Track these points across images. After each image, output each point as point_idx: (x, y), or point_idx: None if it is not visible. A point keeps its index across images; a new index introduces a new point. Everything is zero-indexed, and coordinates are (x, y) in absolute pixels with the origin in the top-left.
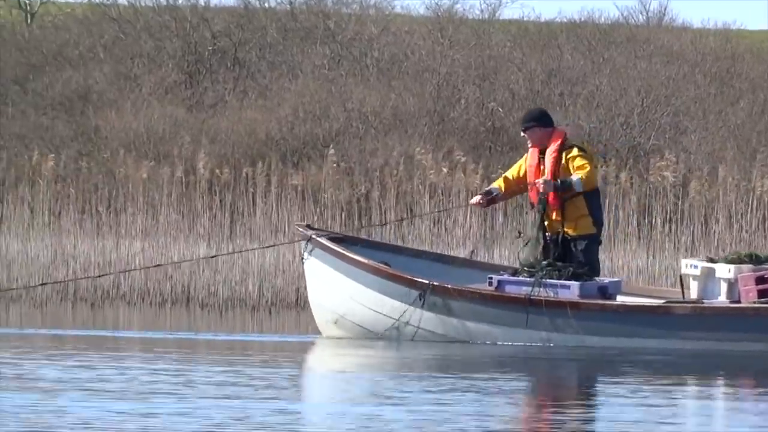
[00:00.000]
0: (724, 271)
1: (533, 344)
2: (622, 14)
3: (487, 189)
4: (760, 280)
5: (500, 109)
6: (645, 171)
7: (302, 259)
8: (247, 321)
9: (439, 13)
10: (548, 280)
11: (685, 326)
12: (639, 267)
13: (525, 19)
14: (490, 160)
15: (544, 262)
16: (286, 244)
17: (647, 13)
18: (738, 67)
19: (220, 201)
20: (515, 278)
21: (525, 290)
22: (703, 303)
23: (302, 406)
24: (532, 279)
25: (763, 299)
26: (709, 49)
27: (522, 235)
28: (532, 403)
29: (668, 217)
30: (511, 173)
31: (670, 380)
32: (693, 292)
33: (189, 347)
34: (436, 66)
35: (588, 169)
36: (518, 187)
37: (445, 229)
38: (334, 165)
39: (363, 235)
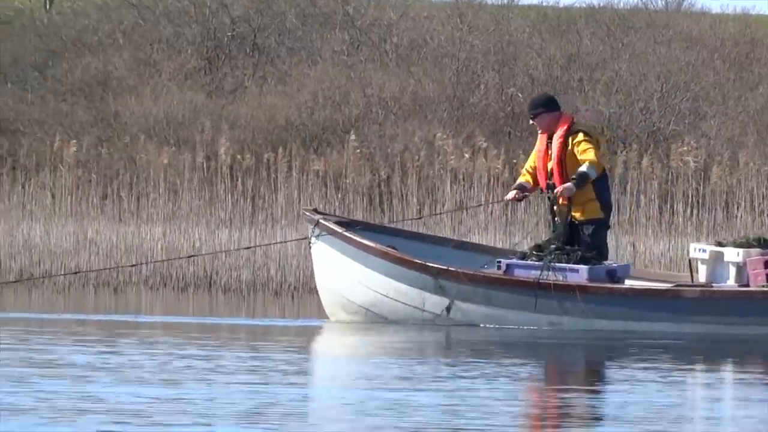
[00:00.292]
0: (733, 255)
1: (541, 328)
2: (641, 0)
3: (517, 184)
4: None
5: (520, 95)
6: (665, 156)
7: (309, 243)
8: (269, 306)
9: None
10: (557, 264)
11: (694, 310)
12: (661, 252)
13: (544, 4)
14: (510, 145)
15: (553, 246)
16: (296, 240)
17: None
18: (757, 52)
19: (242, 186)
20: (524, 262)
21: (534, 274)
22: (711, 287)
23: (312, 391)
24: (541, 263)
25: None
26: (728, 35)
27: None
28: (542, 387)
29: (690, 202)
30: (530, 165)
31: (678, 364)
32: (702, 276)
33: (212, 332)
34: (455, 51)
35: (593, 153)
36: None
37: (467, 213)
38: (357, 150)
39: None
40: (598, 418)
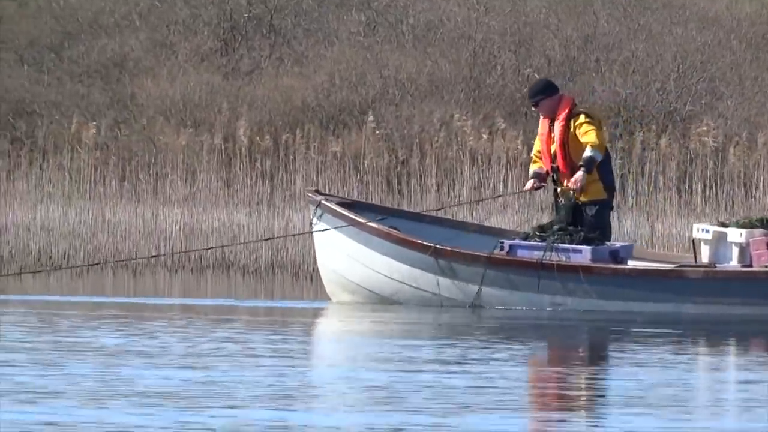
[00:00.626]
0: (736, 235)
1: (544, 309)
2: None
3: (533, 172)
4: None
5: (536, 76)
6: (682, 137)
7: (311, 223)
8: (287, 287)
9: None
10: (560, 245)
11: (697, 290)
12: (679, 232)
13: None
14: (527, 126)
15: (556, 227)
16: (306, 234)
17: None
18: None
19: (261, 168)
20: (527, 243)
21: (537, 255)
22: (715, 267)
23: (315, 372)
24: (544, 243)
25: None
26: (745, 15)
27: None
28: (543, 367)
29: (708, 182)
30: (536, 149)
31: (681, 344)
32: (705, 257)
33: (232, 314)
34: (471, 32)
35: (594, 135)
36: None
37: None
38: (376, 132)
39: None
40: (606, 398)
